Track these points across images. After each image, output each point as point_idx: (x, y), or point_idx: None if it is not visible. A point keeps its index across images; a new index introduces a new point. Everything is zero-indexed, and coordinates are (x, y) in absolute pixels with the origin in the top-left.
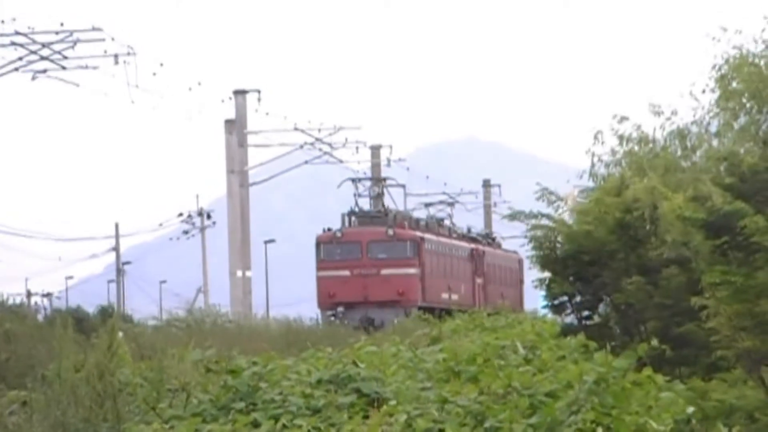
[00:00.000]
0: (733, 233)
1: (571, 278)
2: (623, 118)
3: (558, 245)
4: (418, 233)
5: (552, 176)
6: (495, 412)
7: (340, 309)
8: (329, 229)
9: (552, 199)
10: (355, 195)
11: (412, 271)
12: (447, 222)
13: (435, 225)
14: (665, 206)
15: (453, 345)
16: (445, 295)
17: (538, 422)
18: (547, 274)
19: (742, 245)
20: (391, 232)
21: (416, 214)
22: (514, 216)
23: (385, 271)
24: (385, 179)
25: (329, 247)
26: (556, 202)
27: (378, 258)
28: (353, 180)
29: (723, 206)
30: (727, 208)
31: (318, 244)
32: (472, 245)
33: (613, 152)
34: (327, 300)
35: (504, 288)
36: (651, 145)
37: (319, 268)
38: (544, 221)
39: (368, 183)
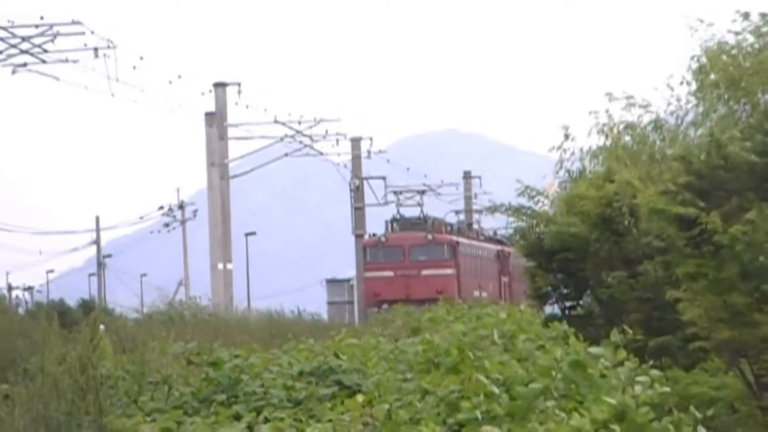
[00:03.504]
0: (702, 227)
1: (555, 270)
2: (613, 98)
3: (542, 237)
4: (454, 237)
5: (532, 167)
6: (471, 402)
7: (385, 306)
8: (374, 235)
9: (533, 194)
10: (397, 205)
11: (449, 271)
12: (475, 226)
13: (466, 229)
14: (639, 199)
15: (432, 336)
16: (476, 293)
17: (512, 409)
18: (531, 263)
19: (711, 240)
20: (430, 236)
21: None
22: (494, 209)
23: (425, 272)
24: (424, 191)
25: (374, 251)
26: (536, 196)
27: (418, 260)
28: (395, 192)
29: (689, 201)
30: (683, 212)
31: (364, 248)
32: (498, 247)
33: (595, 145)
34: (372, 298)
35: (527, 286)
36: (638, 130)
37: (365, 270)
38: (525, 215)
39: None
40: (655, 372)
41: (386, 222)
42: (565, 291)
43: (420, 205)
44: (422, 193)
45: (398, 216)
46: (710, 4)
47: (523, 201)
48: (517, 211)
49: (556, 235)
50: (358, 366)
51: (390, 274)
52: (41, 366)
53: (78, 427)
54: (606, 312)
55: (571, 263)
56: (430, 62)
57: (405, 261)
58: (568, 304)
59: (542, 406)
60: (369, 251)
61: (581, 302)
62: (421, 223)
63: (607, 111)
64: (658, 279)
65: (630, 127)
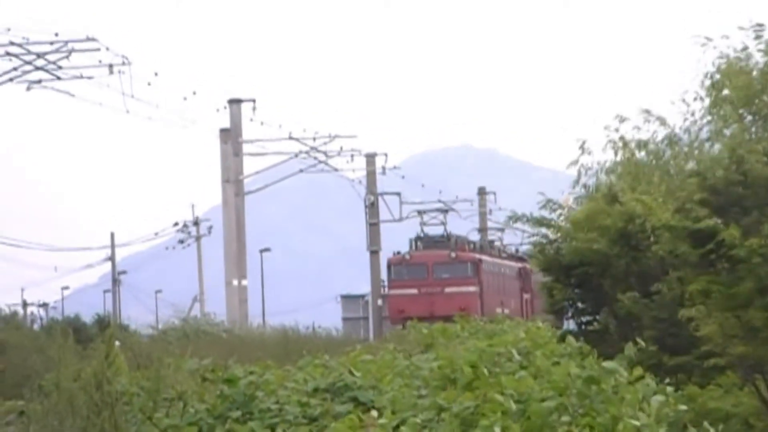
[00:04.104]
0: (717, 243)
1: (573, 285)
2: (623, 119)
3: (561, 251)
4: (477, 255)
5: (546, 183)
6: (486, 417)
7: (409, 323)
8: (398, 253)
9: (555, 207)
10: (421, 223)
11: (472, 288)
12: (497, 243)
13: (488, 247)
14: (654, 218)
15: (448, 352)
16: (498, 310)
17: (528, 427)
18: (548, 278)
19: (726, 255)
20: (453, 254)
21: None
22: (516, 219)
23: (448, 289)
24: (447, 210)
25: (399, 269)
26: (558, 210)
27: (442, 278)
28: (419, 211)
29: (704, 218)
30: (700, 225)
31: (389, 265)
32: (520, 264)
33: (609, 161)
34: (397, 315)
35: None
36: (652, 146)
37: (390, 287)
38: (544, 229)
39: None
40: (669, 389)
41: (410, 240)
42: (582, 306)
43: (443, 223)
44: (445, 212)
45: (422, 234)
46: (719, 9)
47: (544, 214)
48: (538, 221)
49: (576, 250)
50: (373, 382)
51: (414, 291)
52: (56, 382)
53: None
54: (621, 328)
55: (590, 278)
56: (444, 78)
57: (429, 278)
58: (584, 319)
59: (557, 423)
60: (393, 269)
61: (598, 318)
62: (445, 241)
63: (617, 130)
64: (675, 298)
65: (644, 143)
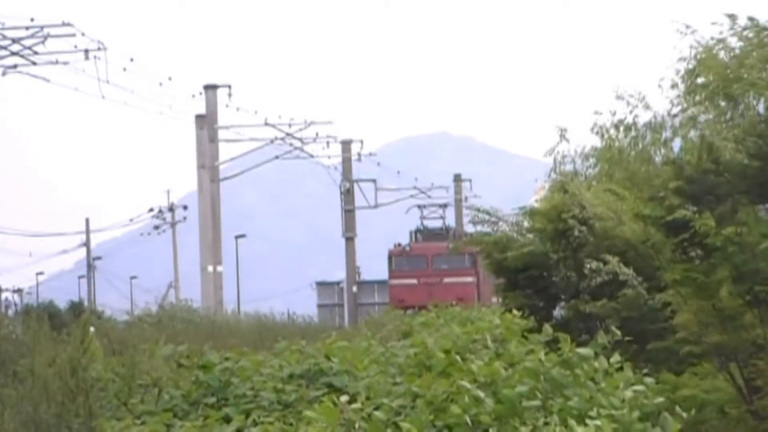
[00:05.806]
0: (691, 232)
1: (523, 287)
2: (621, 96)
3: (505, 255)
4: (474, 247)
5: (522, 171)
6: (460, 405)
7: (409, 312)
8: (399, 244)
9: (485, 218)
10: (421, 217)
11: (469, 279)
12: None
13: None
14: (589, 208)
15: (423, 339)
16: (494, 299)
17: (499, 412)
18: (500, 281)
19: (700, 244)
20: (451, 246)
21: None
22: (459, 239)
23: (447, 280)
24: (445, 205)
25: (399, 260)
26: (490, 220)
27: (441, 268)
28: (419, 206)
29: (678, 206)
30: (674, 215)
31: (390, 256)
32: None
33: (589, 146)
34: (397, 304)
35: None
36: (633, 131)
37: (391, 277)
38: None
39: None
40: (649, 380)
41: (410, 232)
42: (540, 304)
43: (442, 217)
44: (444, 206)
45: (422, 227)
46: (701, 5)
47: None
48: (474, 240)
49: (517, 256)
50: (349, 369)
51: (414, 281)
52: (31, 368)
53: (68, 430)
54: (584, 322)
55: (537, 279)
56: (420, 65)
57: (428, 269)
58: (542, 314)
59: (528, 408)
60: (394, 260)
61: (554, 314)
62: (444, 233)
63: (614, 113)
64: (643, 301)
65: (627, 127)
